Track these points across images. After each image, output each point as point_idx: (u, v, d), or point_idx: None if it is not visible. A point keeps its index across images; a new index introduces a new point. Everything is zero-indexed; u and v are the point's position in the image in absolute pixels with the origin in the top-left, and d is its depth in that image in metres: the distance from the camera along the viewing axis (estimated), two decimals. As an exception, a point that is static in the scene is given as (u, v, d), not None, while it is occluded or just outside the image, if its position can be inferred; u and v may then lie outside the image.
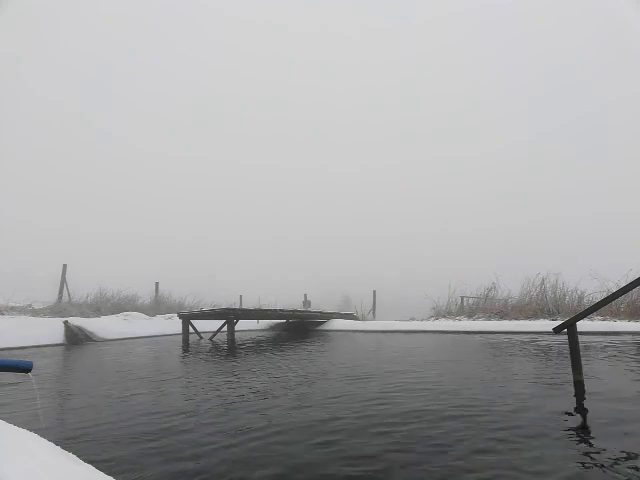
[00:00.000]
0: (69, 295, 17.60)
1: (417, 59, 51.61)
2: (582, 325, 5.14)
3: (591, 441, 2.70)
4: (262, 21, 53.30)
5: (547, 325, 10.25)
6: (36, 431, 1.85)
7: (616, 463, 2.30)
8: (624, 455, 2.41)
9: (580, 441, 2.70)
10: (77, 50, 44.56)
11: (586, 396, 3.85)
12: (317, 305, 20.62)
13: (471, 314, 16.12)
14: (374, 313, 21.16)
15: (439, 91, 50.60)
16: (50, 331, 10.59)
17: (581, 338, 4.41)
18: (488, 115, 46.65)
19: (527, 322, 12.82)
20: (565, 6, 41.14)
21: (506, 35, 46.71)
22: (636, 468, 2.22)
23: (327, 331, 15.06)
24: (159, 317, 16.47)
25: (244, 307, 18.08)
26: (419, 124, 49.88)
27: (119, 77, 46.17)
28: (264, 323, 16.84)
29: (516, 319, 13.90)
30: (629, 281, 4.96)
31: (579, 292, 14.34)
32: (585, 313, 4.41)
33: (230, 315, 11.65)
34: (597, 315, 12.15)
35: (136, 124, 45.86)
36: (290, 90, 53.12)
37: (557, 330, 4.36)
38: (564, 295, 14.69)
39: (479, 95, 48.73)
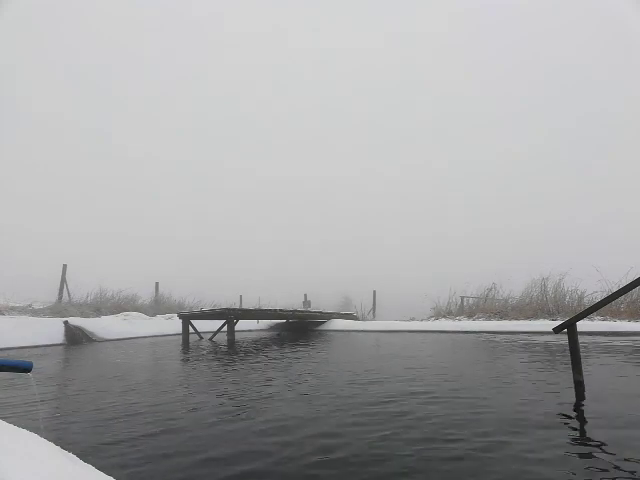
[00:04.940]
0: (69, 295, 17.62)
1: (417, 60, 51.59)
2: (582, 325, 5.14)
3: (591, 441, 2.70)
4: (262, 30, 53.31)
5: (547, 325, 10.26)
6: (36, 431, 1.85)
7: (616, 463, 2.30)
8: (624, 455, 2.40)
9: (580, 441, 2.70)
10: (76, 54, 44.61)
11: (586, 396, 3.84)
12: (317, 305, 20.63)
13: (471, 314, 16.13)
14: (374, 313, 21.18)
15: (439, 92, 50.59)
16: (50, 331, 10.60)
17: (581, 338, 4.41)
18: (488, 116, 46.63)
19: (527, 322, 12.83)
20: (566, 7, 41.13)
21: (506, 36, 46.71)
22: (636, 468, 2.21)
23: (327, 331, 15.07)
24: (159, 317, 16.48)
25: (244, 307, 18.09)
26: (419, 126, 49.89)
27: (118, 81, 46.12)
28: (264, 323, 16.85)
29: (516, 319, 13.91)
30: (630, 281, 4.95)
31: (579, 292, 14.36)
32: (585, 313, 4.40)
33: (230, 315, 11.66)
34: (597, 315, 12.16)
35: (136, 127, 45.88)
36: (290, 94, 53.23)
37: (557, 330, 4.36)
38: (564, 295, 14.70)
39: (479, 96, 48.69)
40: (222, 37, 52.74)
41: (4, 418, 1.95)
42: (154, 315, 17.07)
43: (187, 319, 11.82)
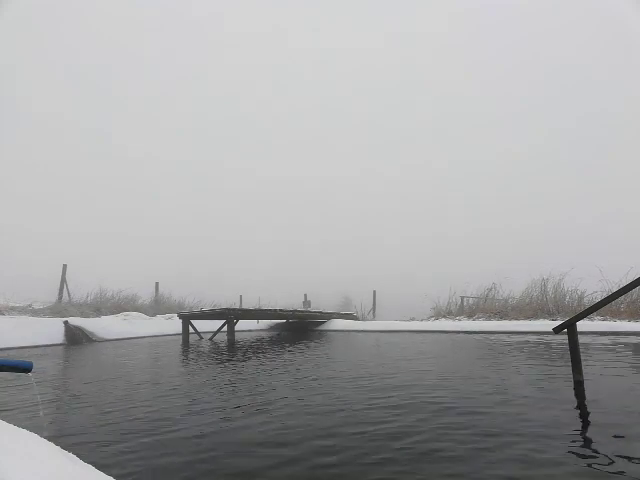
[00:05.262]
0: (69, 295, 17.63)
1: (417, 60, 51.58)
2: (582, 325, 5.14)
3: (591, 441, 2.70)
4: (262, 30, 53.25)
5: (547, 325, 10.26)
6: (36, 431, 1.85)
7: (616, 463, 2.29)
8: (624, 455, 2.40)
9: (580, 441, 2.70)
10: (76, 54, 44.62)
11: (586, 396, 3.84)
12: (317, 305, 20.63)
13: (471, 314, 16.13)
14: (374, 313, 21.18)
15: (439, 92, 50.58)
16: (50, 331, 10.59)
17: (581, 338, 4.41)
18: (488, 116, 46.62)
19: (527, 322, 12.82)
20: (566, 7, 41.11)
21: (506, 36, 46.71)
22: (636, 469, 2.21)
23: (327, 331, 15.07)
24: (159, 317, 16.48)
25: (244, 307, 18.09)
26: (419, 126, 49.89)
27: (118, 81, 46.11)
28: (264, 323, 16.85)
29: (516, 319, 13.91)
30: (630, 281, 4.96)
31: (579, 292, 14.35)
32: (585, 313, 4.41)
33: (230, 315, 11.66)
34: (597, 315, 12.16)
35: (136, 127, 45.89)
36: (290, 94, 53.25)
37: (557, 330, 4.36)
38: (564, 295, 14.69)
39: (479, 96, 48.67)
40: (222, 37, 52.76)
41: (4, 418, 1.95)
42: (154, 315, 17.08)
43: (187, 319, 11.82)
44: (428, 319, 16.84)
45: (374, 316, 20.70)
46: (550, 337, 9.51)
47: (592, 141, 39.59)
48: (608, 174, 35.41)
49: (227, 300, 20.23)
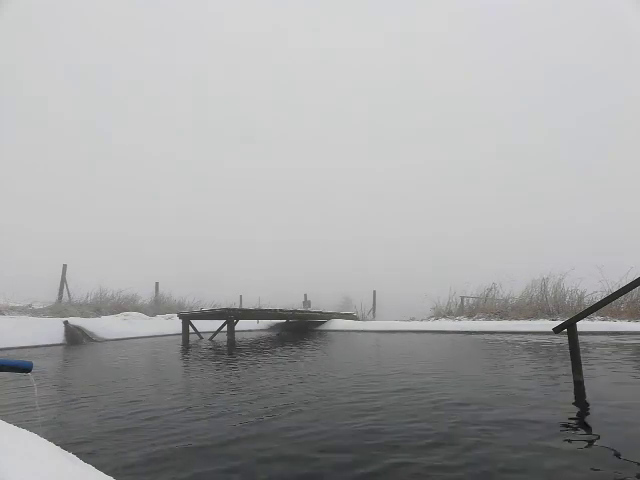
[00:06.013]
0: (69, 295, 17.62)
1: (417, 60, 51.57)
2: (582, 325, 5.15)
3: (591, 441, 2.69)
4: (262, 30, 53.25)
5: (547, 325, 10.26)
6: (36, 431, 1.85)
7: (616, 463, 2.29)
8: (624, 455, 2.40)
9: (580, 441, 2.69)
10: (76, 54, 44.64)
11: (586, 396, 3.84)
12: (317, 305, 20.63)
13: (471, 314, 16.12)
14: (374, 313, 21.18)
15: (439, 92, 50.57)
16: (50, 331, 10.60)
17: (581, 338, 4.41)
18: (488, 116, 46.63)
19: (527, 322, 12.82)
20: (566, 7, 41.11)
21: (506, 36, 46.70)
22: (636, 468, 2.21)
23: (327, 331, 15.07)
24: (159, 317, 16.48)
25: (244, 307, 18.09)
26: (419, 126, 49.88)
27: (118, 81, 46.09)
28: (264, 323, 16.85)
29: (516, 319, 13.90)
30: (630, 281, 4.96)
31: (579, 292, 14.35)
32: (585, 313, 4.41)
33: (230, 315, 11.66)
34: (597, 315, 12.16)
35: (136, 127, 45.89)
36: (290, 94, 53.27)
37: (557, 330, 4.36)
38: (564, 295, 14.68)
39: (479, 96, 48.67)
40: (222, 37, 52.72)
41: (4, 418, 1.95)
42: (154, 315, 17.07)
43: (187, 319, 11.82)
44: (428, 319, 16.83)
45: (374, 316, 20.70)
46: (550, 337, 9.51)
47: (592, 141, 39.63)
48: (608, 174, 35.45)
49: (227, 300, 20.25)
